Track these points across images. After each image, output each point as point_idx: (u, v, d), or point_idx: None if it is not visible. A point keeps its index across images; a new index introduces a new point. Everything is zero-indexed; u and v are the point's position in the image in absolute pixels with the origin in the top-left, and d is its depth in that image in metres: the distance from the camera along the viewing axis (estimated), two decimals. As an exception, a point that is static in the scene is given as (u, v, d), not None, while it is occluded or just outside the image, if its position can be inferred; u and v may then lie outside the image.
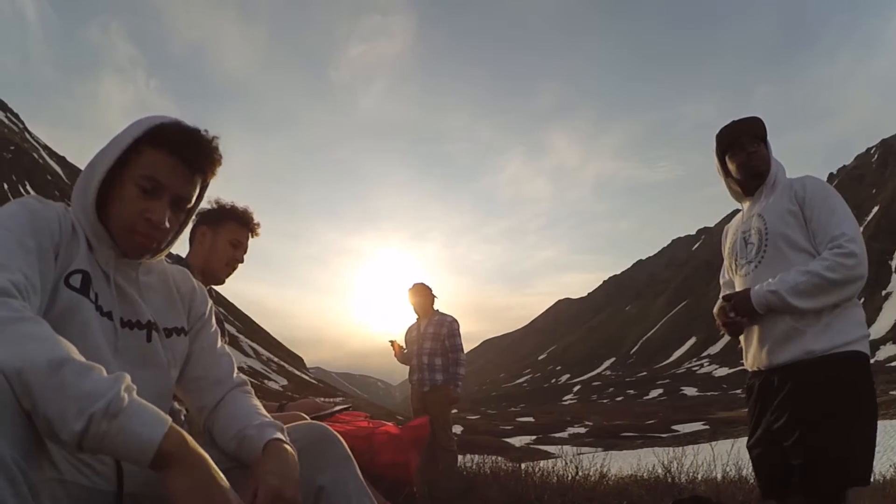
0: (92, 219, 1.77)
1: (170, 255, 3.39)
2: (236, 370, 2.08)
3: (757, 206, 3.37)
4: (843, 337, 3.03)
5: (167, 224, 1.83)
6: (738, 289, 3.40)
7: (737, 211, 3.66)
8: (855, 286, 3.03)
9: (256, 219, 3.62)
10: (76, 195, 1.81)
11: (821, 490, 3.01)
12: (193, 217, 2.05)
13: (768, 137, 3.42)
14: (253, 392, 2.04)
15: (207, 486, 1.39)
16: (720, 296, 3.57)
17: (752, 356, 3.33)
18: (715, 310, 3.49)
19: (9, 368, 1.27)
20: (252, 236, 3.61)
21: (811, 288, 3.01)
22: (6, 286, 1.42)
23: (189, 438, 1.42)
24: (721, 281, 3.72)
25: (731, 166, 3.45)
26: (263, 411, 1.91)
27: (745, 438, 3.52)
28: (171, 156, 1.79)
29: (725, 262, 3.65)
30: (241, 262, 3.57)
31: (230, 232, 3.50)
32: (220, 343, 2.11)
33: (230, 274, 3.56)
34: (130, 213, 1.77)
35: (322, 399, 4.19)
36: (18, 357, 1.29)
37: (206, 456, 1.44)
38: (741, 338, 3.43)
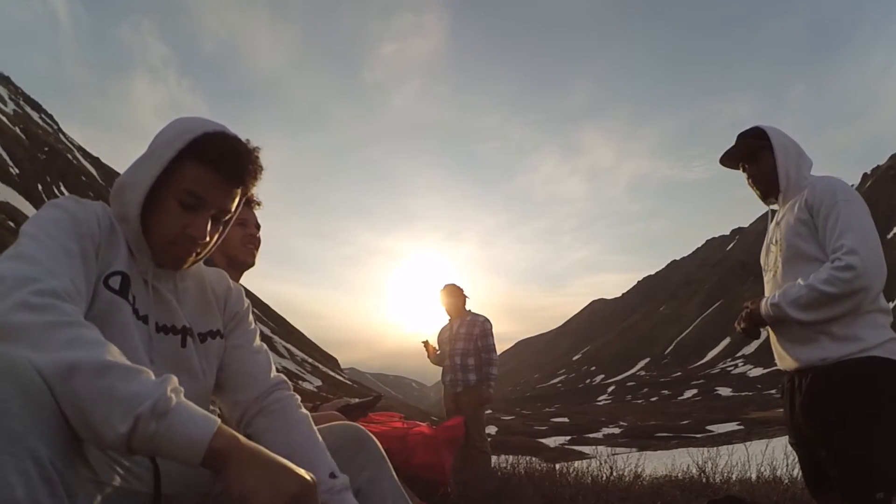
0: (136, 232, 1.78)
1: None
2: (274, 369, 2.07)
3: (780, 212, 3.41)
4: (859, 345, 3.03)
5: (208, 238, 1.84)
6: (765, 294, 3.44)
7: (772, 211, 3.69)
8: (856, 298, 2.99)
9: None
10: (116, 204, 1.81)
11: (850, 493, 3.01)
12: None
13: (784, 139, 3.41)
14: (292, 389, 2.03)
15: (274, 476, 1.38)
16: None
17: (779, 357, 3.38)
18: None
19: (54, 373, 1.27)
20: (254, 208, 3.44)
21: (810, 301, 3.04)
22: (57, 290, 1.42)
23: (240, 436, 1.41)
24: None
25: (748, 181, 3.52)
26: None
27: (780, 438, 3.56)
28: (214, 171, 1.78)
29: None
30: (258, 236, 3.44)
31: None
32: (256, 341, 2.11)
33: (253, 253, 3.43)
34: (172, 228, 1.78)
35: (356, 399, 4.19)
36: (65, 361, 1.28)
37: (261, 448, 1.43)
38: (771, 339, 3.45)
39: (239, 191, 1.88)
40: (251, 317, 2.17)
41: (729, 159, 3.52)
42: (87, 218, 1.68)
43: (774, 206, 3.56)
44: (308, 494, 1.40)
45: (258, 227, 3.46)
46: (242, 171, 1.83)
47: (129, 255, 1.78)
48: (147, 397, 1.29)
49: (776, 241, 3.36)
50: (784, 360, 3.32)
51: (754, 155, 3.43)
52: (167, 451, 1.32)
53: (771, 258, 3.41)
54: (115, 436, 1.27)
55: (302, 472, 1.43)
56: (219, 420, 1.38)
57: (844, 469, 3.01)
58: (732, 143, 3.50)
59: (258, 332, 2.17)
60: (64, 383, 1.27)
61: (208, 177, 1.78)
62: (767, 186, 3.41)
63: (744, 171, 3.50)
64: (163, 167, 1.75)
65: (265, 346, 2.17)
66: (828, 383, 3.08)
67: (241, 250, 3.37)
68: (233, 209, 1.90)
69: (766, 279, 3.50)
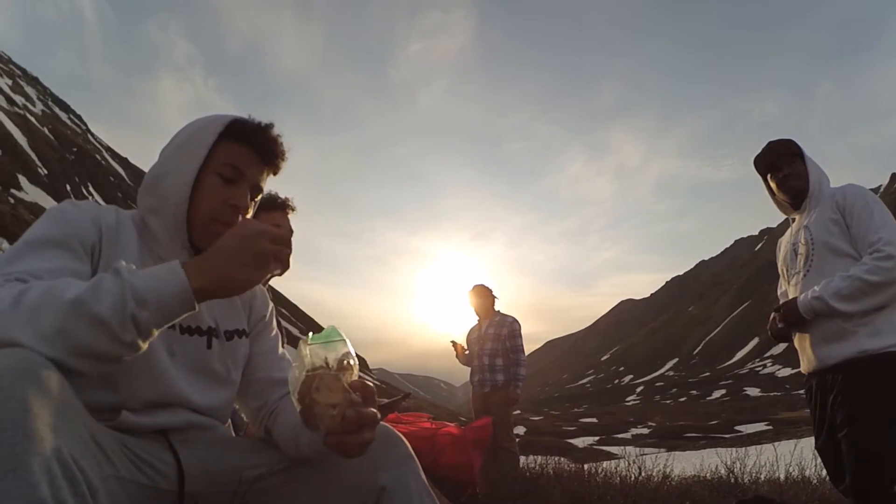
0: (176, 219, 1.82)
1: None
2: None
3: (804, 219, 3.51)
4: (893, 337, 3.13)
5: (248, 209, 1.91)
6: (790, 297, 3.52)
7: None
8: (895, 287, 3.12)
9: (283, 197, 3.54)
10: (150, 197, 1.85)
11: (863, 490, 3.11)
12: None
13: (808, 154, 3.54)
14: None
15: (246, 256, 1.49)
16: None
17: (807, 359, 3.44)
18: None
19: (46, 348, 1.29)
20: (289, 213, 3.53)
21: (853, 292, 3.13)
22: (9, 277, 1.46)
23: (199, 258, 1.50)
24: (778, 292, 3.87)
25: (773, 186, 3.61)
26: None
27: (809, 439, 3.58)
28: (249, 147, 1.89)
29: (780, 273, 3.80)
30: (289, 242, 3.40)
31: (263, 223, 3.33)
32: (280, 347, 2.13)
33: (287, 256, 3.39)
34: (214, 202, 1.83)
35: (384, 400, 4.21)
36: (49, 335, 1.30)
37: (217, 246, 1.50)
38: (796, 342, 3.54)
39: (268, 171, 1.98)
40: (275, 321, 2.19)
41: (770, 152, 3.60)
42: (77, 217, 1.71)
43: (792, 216, 3.69)
44: (265, 236, 1.52)
45: (291, 232, 3.47)
46: (274, 149, 1.94)
47: (146, 255, 1.81)
48: (124, 299, 1.35)
49: (805, 242, 3.44)
50: (814, 359, 3.37)
51: (796, 156, 3.54)
52: (168, 319, 1.44)
53: (800, 260, 3.48)
54: (128, 346, 1.37)
55: (247, 227, 1.54)
56: (176, 262, 1.46)
57: (861, 465, 3.10)
58: (761, 142, 3.66)
59: (280, 337, 2.19)
60: (62, 351, 1.31)
61: (245, 152, 1.89)
62: (803, 186, 3.50)
63: (774, 174, 3.59)
64: (208, 149, 1.84)
65: (285, 351, 2.19)
66: (866, 381, 3.15)
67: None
68: (263, 189, 1.99)
69: (791, 282, 3.58)
